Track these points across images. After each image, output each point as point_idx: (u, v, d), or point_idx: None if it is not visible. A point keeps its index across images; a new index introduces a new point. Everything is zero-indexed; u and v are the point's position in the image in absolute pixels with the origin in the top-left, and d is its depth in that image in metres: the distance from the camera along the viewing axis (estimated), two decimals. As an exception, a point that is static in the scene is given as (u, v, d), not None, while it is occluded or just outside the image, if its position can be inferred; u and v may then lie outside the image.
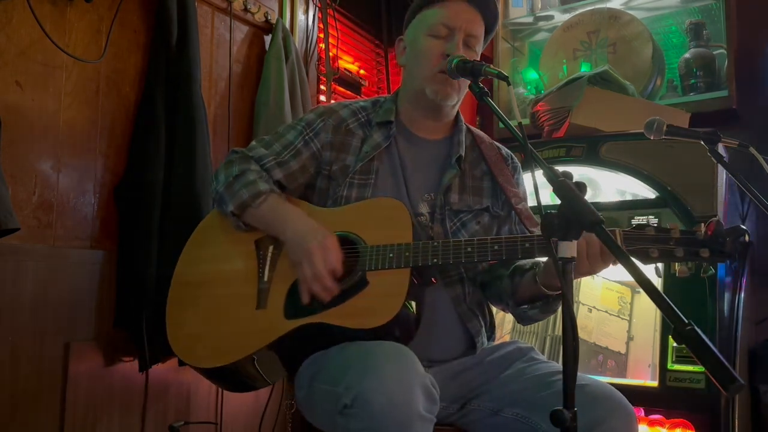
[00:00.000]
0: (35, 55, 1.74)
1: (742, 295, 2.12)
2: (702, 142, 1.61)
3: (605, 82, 2.52)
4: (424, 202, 1.49)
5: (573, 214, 0.96)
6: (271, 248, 1.44)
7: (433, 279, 1.38)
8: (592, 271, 1.29)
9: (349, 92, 2.95)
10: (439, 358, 1.43)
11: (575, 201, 0.97)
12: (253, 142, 1.56)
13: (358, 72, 3.06)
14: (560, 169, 1.06)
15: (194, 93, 2.02)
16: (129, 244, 1.89)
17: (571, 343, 0.95)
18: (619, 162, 2.26)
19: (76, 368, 1.80)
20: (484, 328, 1.51)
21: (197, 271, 1.50)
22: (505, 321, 2.45)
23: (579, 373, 1.33)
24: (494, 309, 1.61)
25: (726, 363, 0.75)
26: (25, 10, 1.69)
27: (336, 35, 2.80)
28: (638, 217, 2.12)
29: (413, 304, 1.32)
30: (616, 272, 2.32)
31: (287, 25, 2.56)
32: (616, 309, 2.30)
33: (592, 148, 2.33)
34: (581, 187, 1.04)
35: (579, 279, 2.31)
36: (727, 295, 2.08)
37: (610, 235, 0.93)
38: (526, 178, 1.68)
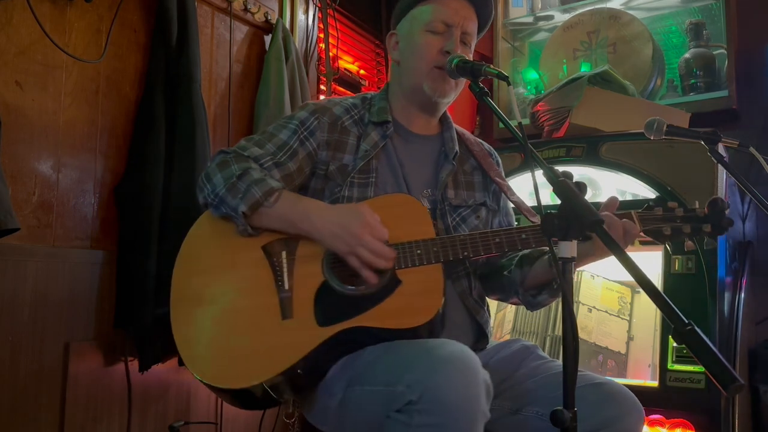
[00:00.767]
0: (35, 55, 1.74)
1: (742, 295, 2.12)
2: (702, 142, 1.62)
3: (605, 82, 2.52)
4: (424, 198, 1.50)
5: (573, 214, 0.96)
6: (283, 254, 1.34)
7: (458, 271, 1.39)
8: (584, 262, 1.37)
9: (349, 92, 2.95)
10: None
11: (575, 201, 0.97)
12: (243, 142, 1.45)
13: (358, 72, 3.06)
14: (560, 169, 1.06)
15: (194, 93, 2.02)
16: (129, 244, 1.89)
17: (571, 343, 0.95)
18: (619, 162, 2.26)
19: (76, 368, 1.80)
20: (490, 320, 1.54)
21: (199, 285, 1.35)
22: (505, 321, 2.45)
23: (592, 373, 1.37)
24: (492, 308, 1.62)
25: (726, 363, 0.76)
26: (25, 10, 1.69)
27: (336, 35, 2.80)
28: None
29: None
30: (616, 272, 2.33)
31: (287, 25, 2.56)
32: (616, 309, 2.30)
33: (592, 148, 2.33)
34: (581, 187, 1.04)
35: (579, 279, 2.31)
36: (727, 295, 2.08)
37: (610, 235, 0.93)
38: (526, 178, 1.69)
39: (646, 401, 1.34)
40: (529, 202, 1.62)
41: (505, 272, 1.53)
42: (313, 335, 1.27)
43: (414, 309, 1.28)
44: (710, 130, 1.61)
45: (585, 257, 1.36)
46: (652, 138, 1.62)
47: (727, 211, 1.37)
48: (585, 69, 2.82)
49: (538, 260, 1.46)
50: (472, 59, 1.43)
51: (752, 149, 1.62)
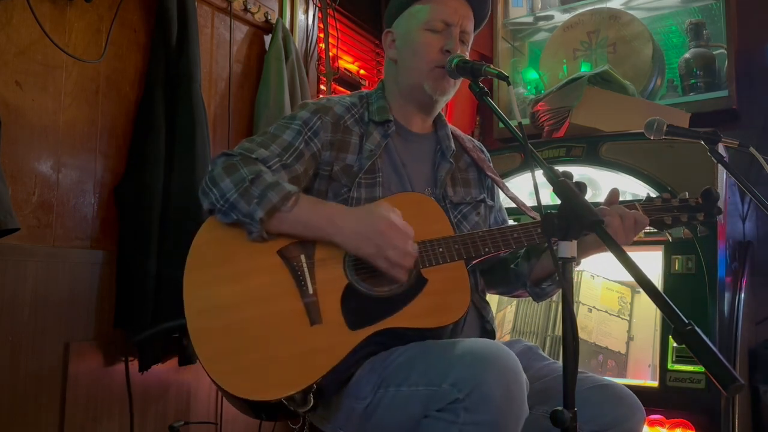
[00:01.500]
0: (35, 55, 1.74)
1: (742, 295, 2.12)
2: (702, 142, 1.62)
3: (605, 82, 2.52)
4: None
5: (573, 214, 0.96)
6: (303, 257, 1.30)
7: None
8: (626, 242, 1.39)
9: (349, 92, 2.94)
10: None
11: (575, 201, 0.97)
12: (245, 144, 1.40)
13: (358, 72, 3.06)
14: (560, 169, 1.07)
15: (194, 93, 2.02)
16: (129, 244, 1.89)
17: (571, 343, 0.95)
18: (619, 162, 2.26)
19: (76, 368, 1.80)
20: (494, 317, 1.56)
21: (217, 294, 1.27)
22: (505, 321, 2.45)
23: (596, 375, 1.38)
24: (492, 308, 1.63)
25: (726, 363, 0.76)
26: (25, 10, 1.69)
27: (336, 35, 2.80)
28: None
29: None
30: (616, 272, 2.33)
31: (287, 25, 2.56)
32: (616, 309, 2.30)
33: (592, 148, 2.33)
34: (581, 187, 1.05)
35: (579, 279, 2.31)
36: (727, 295, 2.08)
37: (610, 235, 0.93)
38: (526, 178, 1.70)
39: (646, 401, 1.35)
40: (529, 202, 1.63)
41: (512, 265, 1.55)
42: (347, 339, 1.24)
43: (445, 307, 1.28)
44: (710, 130, 1.61)
45: (585, 251, 1.38)
46: (652, 138, 1.62)
47: (720, 201, 1.45)
48: (585, 69, 2.83)
49: (544, 252, 1.48)
50: (470, 58, 1.43)
51: (752, 149, 1.62)
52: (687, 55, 2.73)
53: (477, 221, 1.53)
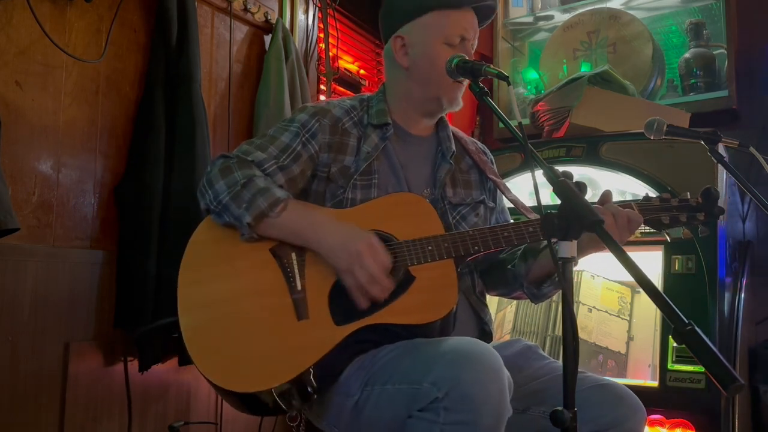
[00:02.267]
0: (35, 55, 1.74)
1: (742, 295, 2.12)
2: (702, 142, 1.62)
3: (605, 82, 2.52)
4: (424, 197, 1.50)
5: (573, 214, 0.96)
6: (293, 255, 1.33)
7: (458, 270, 1.39)
8: (620, 241, 1.37)
9: (349, 92, 2.94)
10: None
11: (575, 201, 0.97)
12: (244, 146, 1.43)
13: (358, 72, 3.06)
14: (560, 169, 1.07)
15: (194, 93, 2.02)
16: (129, 244, 1.89)
17: (571, 343, 0.95)
18: (619, 162, 2.26)
19: (76, 368, 1.80)
20: (492, 318, 1.55)
21: (208, 292, 1.32)
22: (505, 321, 2.45)
23: (595, 375, 1.38)
24: (492, 308, 1.63)
25: (726, 363, 0.76)
26: (25, 10, 1.69)
27: (336, 35, 2.80)
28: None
29: None
30: (616, 272, 2.33)
31: (287, 25, 2.56)
32: (616, 309, 2.30)
33: (592, 148, 2.33)
34: (581, 187, 1.05)
35: (579, 279, 2.31)
36: (727, 295, 2.08)
37: (609, 235, 0.93)
38: (526, 178, 1.70)
39: (646, 401, 1.35)
40: (529, 202, 1.63)
41: (509, 266, 1.54)
42: (332, 334, 1.26)
43: (431, 304, 1.28)
44: (710, 130, 1.61)
45: (583, 250, 1.37)
46: (652, 138, 1.62)
47: (720, 201, 1.43)
48: (585, 69, 2.82)
49: (542, 252, 1.47)
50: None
51: (752, 149, 1.62)
52: (687, 55, 2.73)
53: (476, 222, 1.53)
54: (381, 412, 1.22)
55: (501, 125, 2.98)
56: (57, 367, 1.77)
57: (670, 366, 1.98)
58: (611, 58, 2.82)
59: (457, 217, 1.51)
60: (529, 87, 3.22)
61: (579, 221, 0.95)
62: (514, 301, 2.45)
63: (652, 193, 2.16)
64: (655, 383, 2.02)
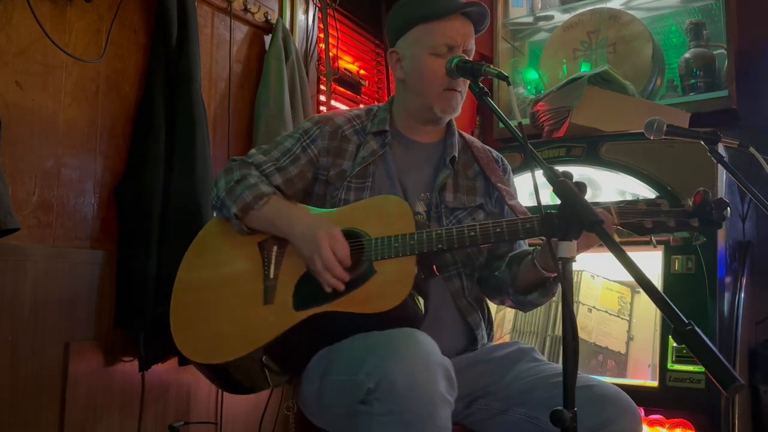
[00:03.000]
0: (35, 55, 1.74)
1: (742, 295, 2.12)
2: (702, 142, 1.62)
3: (605, 82, 2.52)
4: (420, 201, 1.53)
5: (573, 214, 0.96)
6: (275, 248, 1.45)
7: (435, 267, 1.40)
8: (586, 245, 1.31)
9: (349, 92, 2.95)
10: (441, 351, 1.44)
11: (575, 201, 0.97)
12: (252, 150, 1.58)
13: (358, 72, 3.06)
14: (560, 169, 1.07)
15: (194, 93, 2.02)
16: (129, 244, 1.89)
17: (571, 343, 0.95)
18: (619, 162, 2.26)
19: (76, 368, 1.80)
20: (483, 322, 1.55)
21: (199, 276, 1.50)
22: (504, 321, 2.45)
23: (585, 375, 1.36)
24: (493, 308, 1.62)
25: (726, 363, 0.76)
26: (25, 10, 1.69)
27: (336, 35, 2.80)
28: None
29: (421, 300, 1.34)
30: (616, 272, 2.33)
31: (287, 25, 2.56)
32: (616, 309, 2.30)
33: (592, 148, 2.33)
34: (581, 187, 1.05)
35: (579, 279, 2.31)
36: (727, 295, 2.08)
37: (610, 235, 0.93)
38: (526, 178, 1.71)
39: (646, 401, 1.34)
40: (529, 202, 1.62)
41: (496, 273, 1.54)
42: (288, 318, 1.36)
43: (382, 296, 1.32)
44: (710, 130, 1.61)
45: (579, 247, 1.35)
46: (652, 138, 1.62)
47: (720, 207, 1.30)
48: (585, 69, 2.82)
49: (524, 259, 1.46)
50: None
51: (752, 149, 1.62)
52: (687, 55, 2.73)
53: None
54: (334, 400, 1.29)
55: (501, 125, 2.98)
56: (57, 367, 1.76)
57: (670, 366, 1.98)
58: (611, 58, 2.82)
59: (453, 221, 1.52)
60: (529, 87, 3.22)
61: (579, 221, 0.96)
62: (514, 301, 2.45)
63: (652, 194, 2.17)
64: (655, 383, 2.02)
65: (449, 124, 1.64)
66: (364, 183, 1.52)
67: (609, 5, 2.96)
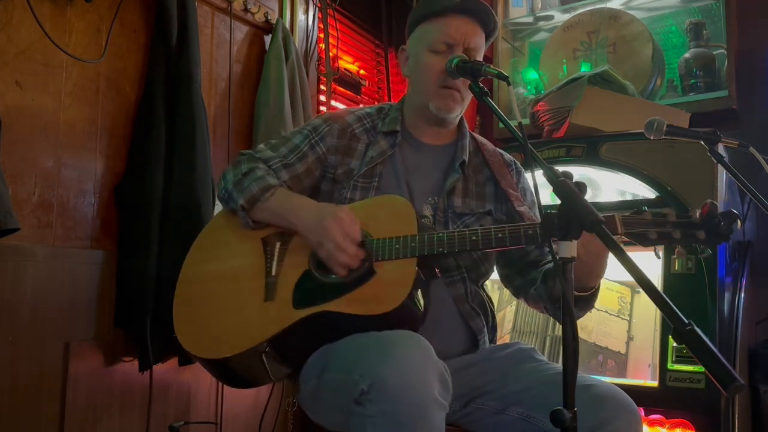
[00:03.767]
0: (35, 55, 1.74)
1: (742, 295, 2.12)
2: (702, 142, 1.62)
3: (605, 82, 2.52)
4: (427, 205, 1.52)
5: (573, 214, 0.96)
6: (278, 244, 1.45)
7: (437, 270, 1.40)
8: (593, 271, 1.32)
9: (349, 92, 2.95)
10: (441, 354, 1.44)
11: (575, 201, 0.97)
12: (261, 145, 1.59)
13: (358, 72, 3.06)
14: (560, 169, 1.06)
15: (194, 93, 2.02)
16: (129, 244, 1.89)
17: (571, 343, 0.95)
18: (619, 162, 2.26)
19: (76, 368, 1.80)
20: (486, 328, 1.53)
21: (203, 270, 1.50)
22: (505, 321, 2.45)
23: (583, 374, 1.36)
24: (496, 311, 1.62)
25: (726, 363, 0.76)
26: (25, 10, 1.69)
27: (336, 35, 2.80)
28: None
29: (421, 301, 1.34)
30: (616, 272, 2.33)
31: (287, 25, 2.56)
32: (616, 309, 2.30)
33: (592, 148, 2.32)
34: (581, 187, 1.05)
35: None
36: (727, 295, 2.08)
37: (610, 235, 0.93)
38: (527, 178, 1.70)
39: (646, 401, 1.34)
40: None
41: (531, 289, 1.53)
42: (287, 316, 1.35)
43: (381, 298, 1.31)
44: (710, 130, 1.61)
45: (584, 263, 1.30)
46: (652, 138, 1.62)
47: (720, 201, 1.25)
48: (585, 69, 2.82)
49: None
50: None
51: (752, 149, 1.62)
52: (687, 55, 2.73)
53: None
54: (330, 398, 1.29)
55: (501, 125, 2.98)
56: (57, 367, 1.77)
57: (669, 366, 1.98)
58: (611, 58, 2.82)
59: (461, 226, 1.51)
60: (529, 87, 3.22)
61: (579, 221, 0.95)
62: (514, 301, 2.45)
63: (652, 194, 2.17)
64: (654, 383, 2.02)
65: (461, 126, 1.63)
66: (370, 183, 1.51)
67: (609, 5, 2.96)
